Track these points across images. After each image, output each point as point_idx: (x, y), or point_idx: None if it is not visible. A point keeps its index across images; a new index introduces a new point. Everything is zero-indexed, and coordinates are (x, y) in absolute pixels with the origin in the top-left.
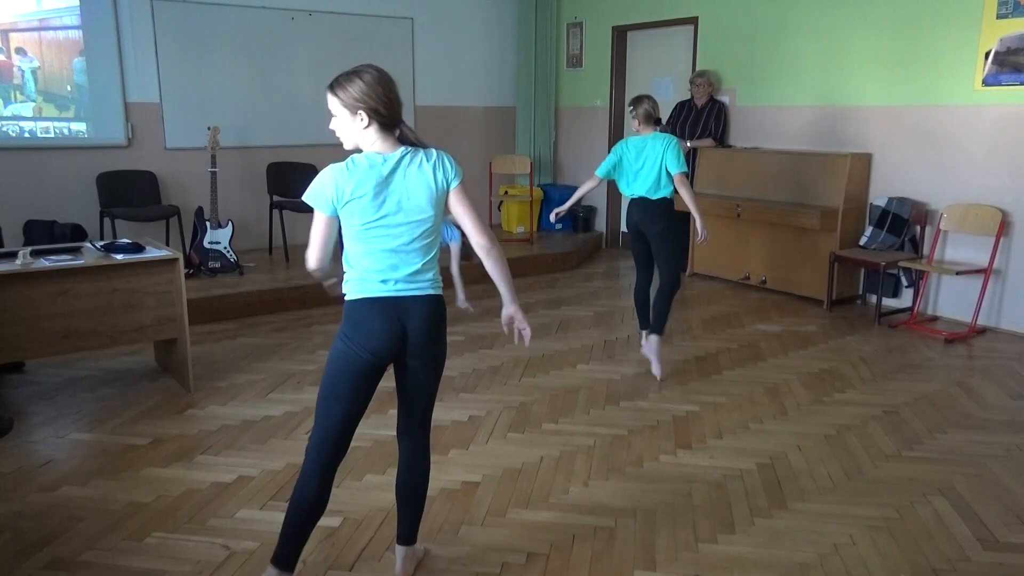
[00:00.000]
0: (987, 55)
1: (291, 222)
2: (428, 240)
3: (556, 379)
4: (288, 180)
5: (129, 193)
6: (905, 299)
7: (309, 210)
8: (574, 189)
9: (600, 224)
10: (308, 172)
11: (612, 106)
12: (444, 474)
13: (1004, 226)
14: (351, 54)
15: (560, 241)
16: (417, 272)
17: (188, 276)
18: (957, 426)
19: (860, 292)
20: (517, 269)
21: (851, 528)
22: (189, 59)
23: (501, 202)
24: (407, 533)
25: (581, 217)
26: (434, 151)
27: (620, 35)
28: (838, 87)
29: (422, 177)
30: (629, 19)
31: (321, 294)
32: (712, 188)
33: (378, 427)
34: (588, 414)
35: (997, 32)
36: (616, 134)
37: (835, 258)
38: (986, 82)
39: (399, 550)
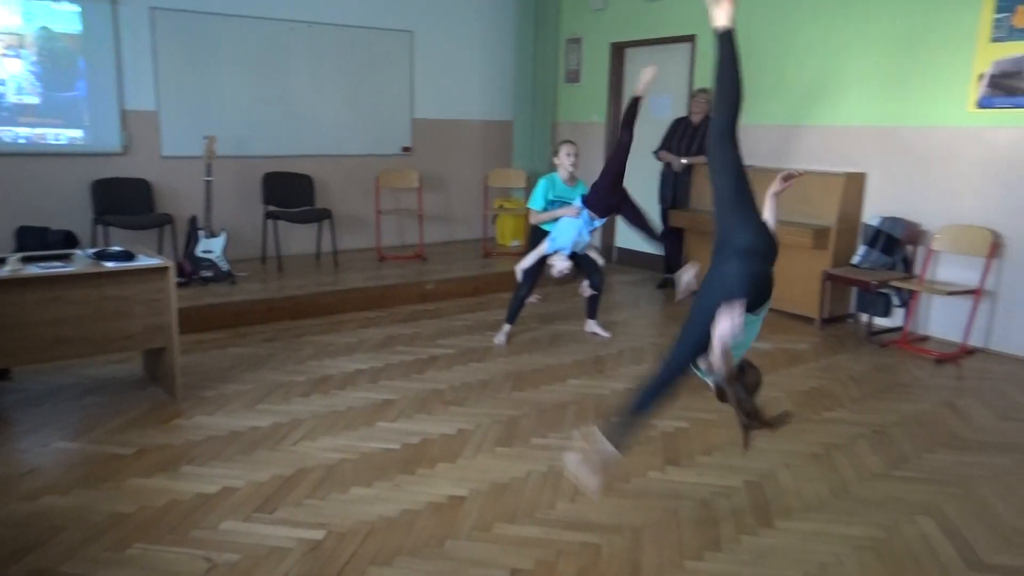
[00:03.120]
0: (981, 77)
1: (285, 233)
2: None
3: (546, 393)
4: (284, 191)
5: (123, 201)
6: (896, 319)
7: (303, 220)
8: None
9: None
10: (304, 183)
11: (609, 122)
12: (431, 488)
13: (995, 248)
14: (351, 66)
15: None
16: None
17: (180, 285)
18: (945, 446)
19: (852, 311)
20: (511, 283)
21: (838, 547)
22: (187, 68)
23: (496, 216)
24: None
25: None
26: None
27: (618, 51)
28: (832, 106)
29: None
30: (627, 36)
31: (313, 304)
32: (706, 205)
33: (366, 439)
34: (577, 429)
35: (991, 55)
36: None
37: (827, 276)
38: (980, 104)
39: None
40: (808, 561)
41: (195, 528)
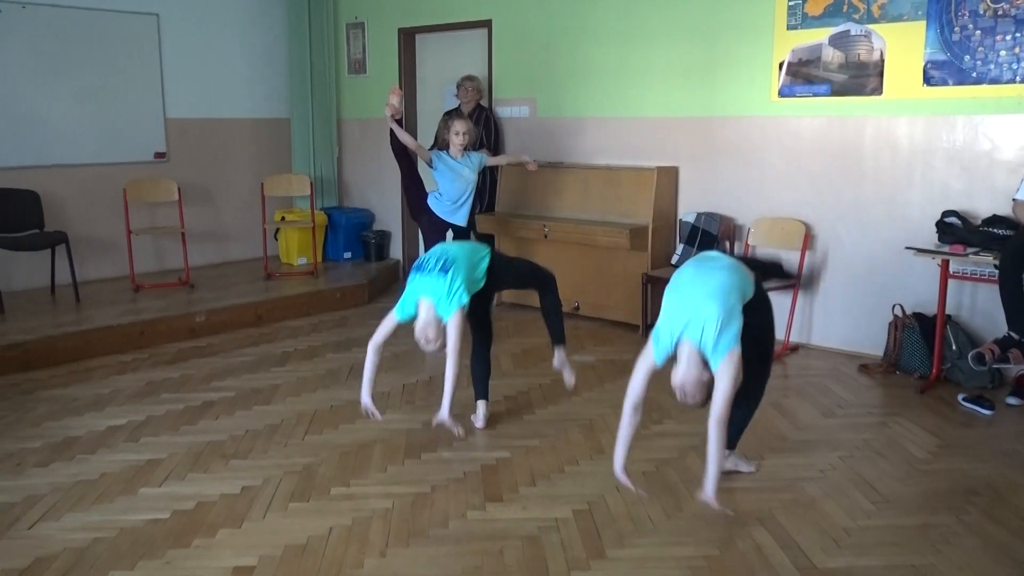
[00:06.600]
0: (781, 66)
1: (5, 263)
2: None
3: (347, 434)
4: (2, 211)
5: None
6: None
7: (30, 247)
8: (363, 212)
9: (396, 251)
10: (28, 200)
11: (403, 117)
12: (211, 561)
13: (808, 239)
14: (81, 56)
15: (349, 272)
16: None
17: None
18: (774, 450)
19: None
20: (300, 307)
21: (672, 571)
22: None
23: (277, 230)
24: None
25: (373, 244)
26: None
27: (408, 38)
28: (640, 97)
29: None
30: (416, 21)
31: (48, 350)
32: (513, 208)
33: (126, 511)
34: (385, 471)
35: (789, 43)
36: None
37: (647, 279)
38: (781, 93)
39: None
40: None
41: None
